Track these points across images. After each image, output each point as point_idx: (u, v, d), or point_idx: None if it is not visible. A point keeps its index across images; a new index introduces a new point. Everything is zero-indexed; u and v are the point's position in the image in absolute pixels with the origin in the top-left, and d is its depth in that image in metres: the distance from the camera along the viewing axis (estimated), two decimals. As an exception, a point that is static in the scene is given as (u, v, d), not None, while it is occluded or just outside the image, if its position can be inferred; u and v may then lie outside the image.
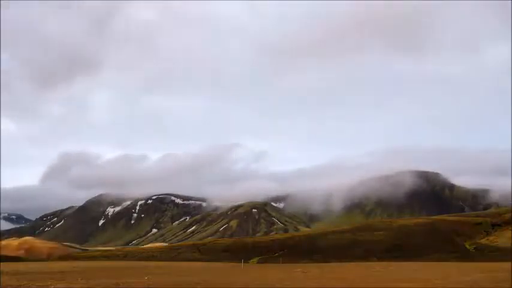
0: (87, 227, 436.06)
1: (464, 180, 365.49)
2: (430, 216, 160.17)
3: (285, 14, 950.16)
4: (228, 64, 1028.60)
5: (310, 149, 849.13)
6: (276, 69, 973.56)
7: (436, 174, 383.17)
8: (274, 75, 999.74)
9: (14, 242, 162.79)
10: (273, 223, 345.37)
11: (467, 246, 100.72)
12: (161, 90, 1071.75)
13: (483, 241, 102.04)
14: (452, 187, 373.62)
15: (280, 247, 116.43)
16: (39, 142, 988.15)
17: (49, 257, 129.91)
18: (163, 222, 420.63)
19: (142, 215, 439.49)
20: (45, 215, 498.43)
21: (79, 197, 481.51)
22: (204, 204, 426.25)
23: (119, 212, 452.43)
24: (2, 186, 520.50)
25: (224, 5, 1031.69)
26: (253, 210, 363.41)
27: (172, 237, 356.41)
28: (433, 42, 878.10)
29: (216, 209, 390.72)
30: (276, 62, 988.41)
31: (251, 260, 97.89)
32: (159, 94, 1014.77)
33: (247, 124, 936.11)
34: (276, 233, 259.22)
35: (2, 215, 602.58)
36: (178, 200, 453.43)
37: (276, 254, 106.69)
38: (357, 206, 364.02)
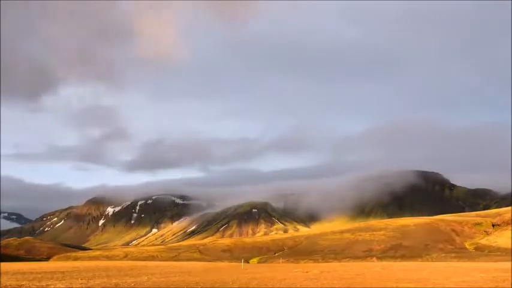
0: (87, 227, 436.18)
1: (464, 180, 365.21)
2: (430, 216, 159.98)
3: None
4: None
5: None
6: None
7: (436, 174, 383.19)
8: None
9: (14, 242, 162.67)
10: (273, 223, 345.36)
11: (467, 246, 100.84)
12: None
13: (483, 241, 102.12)
14: (452, 187, 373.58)
15: (280, 247, 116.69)
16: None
17: (49, 257, 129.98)
18: (163, 222, 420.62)
19: (142, 215, 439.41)
20: (45, 215, 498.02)
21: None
22: (204, 204, 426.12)
23: (118, 212, 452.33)
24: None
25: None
26: (253, 210, 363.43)
27: (172, 237, 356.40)
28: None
29: (216, 208, 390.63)
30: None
31: (251, 260, 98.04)
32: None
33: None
34: (276, 233, 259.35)
35: (2, 215, 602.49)
36: (178, 200, 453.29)
37: (276, 254, 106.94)
38: (357, 206, 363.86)
